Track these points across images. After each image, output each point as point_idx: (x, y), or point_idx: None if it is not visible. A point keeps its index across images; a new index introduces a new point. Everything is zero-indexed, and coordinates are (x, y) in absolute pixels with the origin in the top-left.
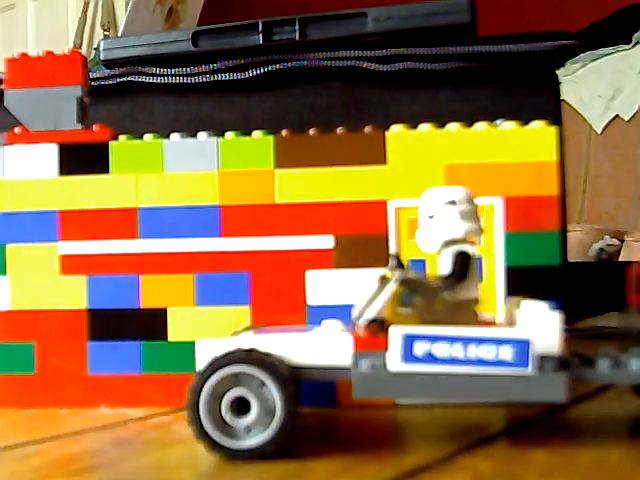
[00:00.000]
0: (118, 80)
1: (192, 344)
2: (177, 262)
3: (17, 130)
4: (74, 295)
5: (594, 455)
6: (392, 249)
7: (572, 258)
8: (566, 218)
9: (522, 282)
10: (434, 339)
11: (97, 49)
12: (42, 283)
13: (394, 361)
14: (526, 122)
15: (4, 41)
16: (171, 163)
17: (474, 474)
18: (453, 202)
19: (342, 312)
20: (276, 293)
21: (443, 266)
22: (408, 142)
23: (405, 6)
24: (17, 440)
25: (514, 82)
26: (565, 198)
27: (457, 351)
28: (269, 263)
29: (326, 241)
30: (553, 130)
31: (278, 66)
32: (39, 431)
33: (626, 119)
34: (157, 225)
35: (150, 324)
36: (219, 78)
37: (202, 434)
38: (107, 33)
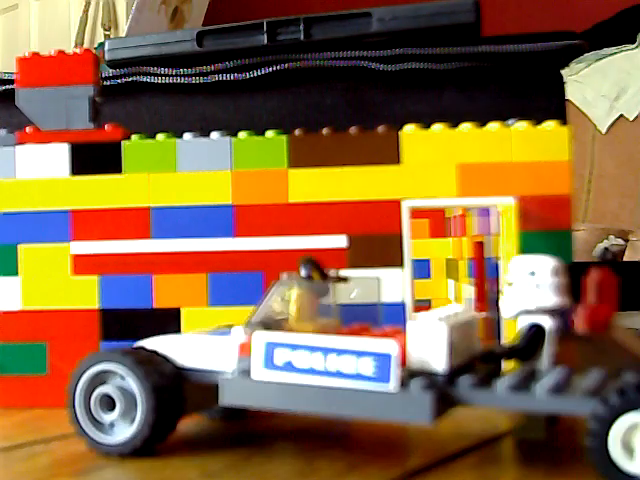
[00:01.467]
0: (123, 80)
1: None
2: (190, 262)
3: (29, 129)
4: (86, 295)
5: None
6: (406, 248)
7: (577, 258)
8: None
9: None
10: (295, 347)
11: (97, 48)
12: (54, 283)
13: (256, 368)
14: (533, 122)
15: (8, 41)
16: (184, 162)
17: (479, 474)
18: (532, 273)
19: (356, 312)
20: None
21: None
22: (421, 142)
23: (410, 6)
24: (24, 439)
25: (519, 82)
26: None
27: (316, 361)
28: (282, 263)
29: (340, 241)
30: (566, 129)
31: (283, 66)
32: (46, 430)
33: (630, 119)
34: (170, 225)
35: (163, 324)
36: (224, 78)
37: (81, 432)
38: (108, 33)
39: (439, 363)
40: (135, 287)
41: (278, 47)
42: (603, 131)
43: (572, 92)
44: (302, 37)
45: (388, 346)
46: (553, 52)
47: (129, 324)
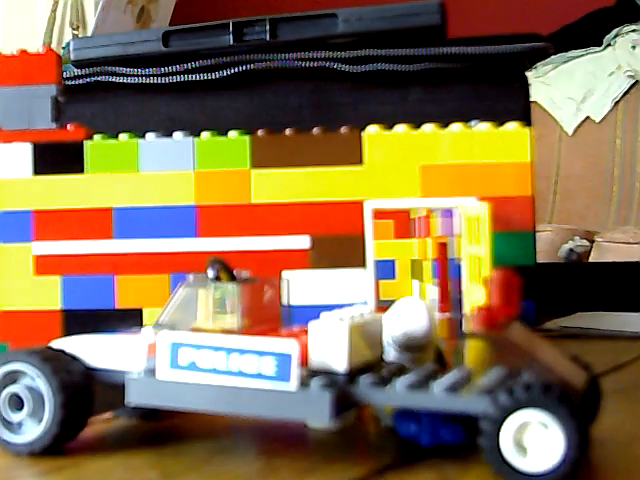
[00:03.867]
0: (88, 80)
1: None
2: (153, 262)
3: None
4: (48, 296)
5: None
6: (369, 249)
7: (543, 258)
8: (535, 218)
9: None
10: (199, 347)
11: (64, 48)
12: (16, 284)
13: (161, 368)
14: (497, 123)
15: None
16: (146, 163)
17: (441, 474)
18: None
19: (319, 312)
20: None
21: None
22: (384, 143)
23: (375, 7)
24: None
25: (484, 84)
26: (534, 199)
27: (219, 361)
28: (245, 263)
29: (302, 241)
30: (527, 131)
31: (249, 66)
32: None
33: (597, 121)
34: (132, 225)
35: (125, 324)
36: (190, 78)
37: None
38: (76, 32)
39: (339, 363)
40: (97, 287)
41: (244, 47)
42: (570, 133)
43: (539, 94)
44: (268, 37)
45: (288, 346)
46: (518, 54)
47: (91, 325)
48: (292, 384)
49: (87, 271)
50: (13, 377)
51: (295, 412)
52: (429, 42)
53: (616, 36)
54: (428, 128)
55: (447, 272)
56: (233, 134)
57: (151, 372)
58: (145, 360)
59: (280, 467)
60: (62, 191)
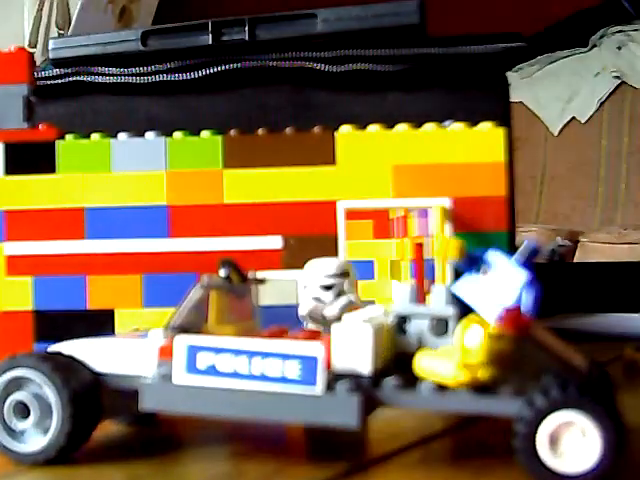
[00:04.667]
0: (67, 80)
1: None
2: (124, 263)
3: None
4: (20, 296)
5: None
6: (341, 250)
7: None
8: (515, 219)
9: None
10: (218, 351)
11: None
12: None
13: (178, 373)
14: (475, 123)
15: None
16: (118, 163)
17: (409, 475)
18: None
19: (290, 312)
20: None
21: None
22: (357, 142)
23: (355, 7)
24: None
25: (463, 84)
26: (514, 199)
27: (241, 365)
28: (217, 264)
29: (274, 242)
30: (501, 131)
31: (228, 66)
32: None
33: (582, 121)
34: (104, 225)
35: (97, 325)
36: (169, 78)
37: None
38: (62, 32)
39: (364, 365)
40: (69, 288)
41: (223, 47)
42: (555, 133)
43: (525, 94)
44: (247, 37)
45: (314, 349)
46: (497, 54)
47: (63, 325)
48: (318, 388)
49: (59, 271)
50: (18, 383)
51: (321, 416)
52: (409, 42)
53: (602, 37)
54: (401, 128)
55: (423, 272)
56: (205, 134)
57: (166, 377)
58: (156, 364)
59: (247, 470)
60: (34, 191)
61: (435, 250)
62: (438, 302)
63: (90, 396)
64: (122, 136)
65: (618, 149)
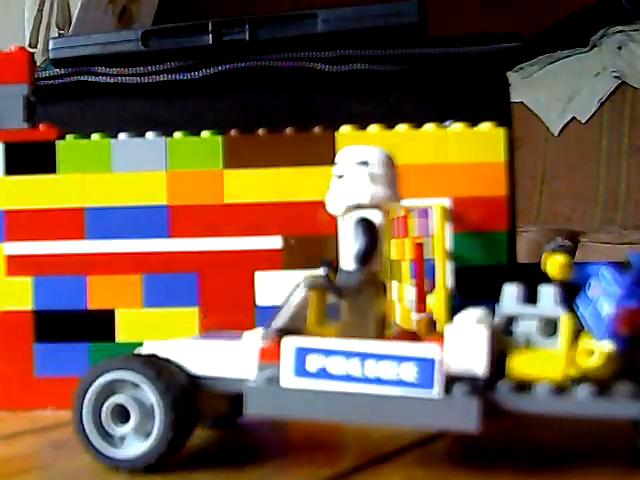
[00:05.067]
0: (67, 80)
1: (140, 346)
2: (125, 263)
3: None
4: (20, 296)
5: None
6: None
7: (527, 259)
8: (515, 219)
9: (470, 283)
10: (329, 353)
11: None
12: None
13: (286, 376)
14: (475, 124)
15: None
16: (119, 163)
17: (408, 476)
18: (365, 163)
19: None
20: (225, 294)
21: (343, 231)
22: (357, 142)
23: (355, 7)
24: None
25: (464, 84)
26: (514, 199)
27: (353, 367)
28: (218, 264)
29: (274, 242)
30: (501, 131)
31: (228, 66)
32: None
33: (583, 121)
34: (104, 225)
35: (98, 325)
36: (169, 78)
37: (87, 443)
38: (62, 32)
39: (480, 367)
40: (69, 288)
41: (223, 47)
42: (555, 133)
43: (525, 94)
44: (247, 37)
45: (432, 351)
46: (498, 54)
47: (63, 325)
48: (435, 391)
49: (59, 272)
50: (113, 386)
51: (439, 420)
52: (409, 42)
53: (602, 37)
54: (401, 128)
55: (423, 273)
56: (206, 134)
57: (272, 380)
58: (257, 367)
59: (246, 469)
60: (34, 191)
61: (543, 268)
62: (547, 303)
63: (190, 400)
64: (122, 136)
65: (618, 149)
